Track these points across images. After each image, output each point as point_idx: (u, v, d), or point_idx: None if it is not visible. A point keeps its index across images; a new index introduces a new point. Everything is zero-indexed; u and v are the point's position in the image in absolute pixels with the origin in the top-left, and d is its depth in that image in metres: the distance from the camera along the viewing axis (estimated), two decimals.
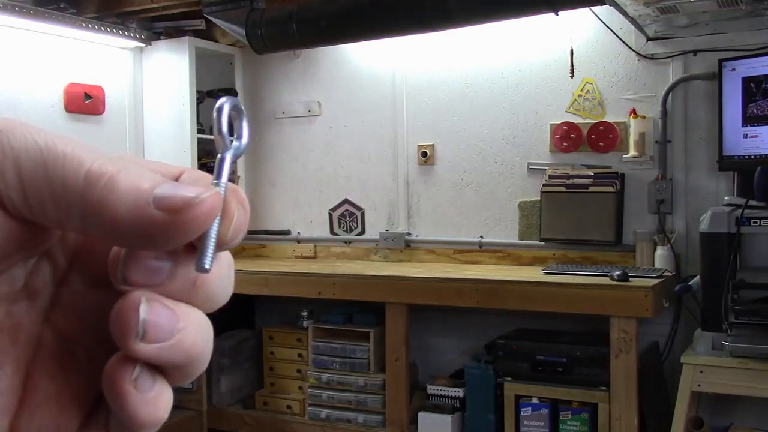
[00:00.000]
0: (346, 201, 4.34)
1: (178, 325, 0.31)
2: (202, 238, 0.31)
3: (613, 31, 3.60)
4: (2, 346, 0.32)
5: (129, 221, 0.29)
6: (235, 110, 0.35)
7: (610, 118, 3.67)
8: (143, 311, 0.30)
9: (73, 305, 0.34)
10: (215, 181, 0.32)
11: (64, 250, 0.34)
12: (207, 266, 0.31)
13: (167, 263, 0.31)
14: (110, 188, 0.30)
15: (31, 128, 0.31)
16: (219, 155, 0.34)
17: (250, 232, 4.66)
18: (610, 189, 3.57)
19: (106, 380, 0.31)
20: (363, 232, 4.30)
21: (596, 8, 3.41)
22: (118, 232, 0.30)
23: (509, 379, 3.35)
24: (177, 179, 0.33)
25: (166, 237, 0.30)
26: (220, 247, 0.31)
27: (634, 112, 3.56)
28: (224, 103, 0.35)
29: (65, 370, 0.33)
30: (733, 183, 3.34)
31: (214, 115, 0.35)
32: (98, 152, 0.31)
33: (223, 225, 0.32)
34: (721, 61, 3.29)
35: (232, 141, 0.35)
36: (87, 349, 0.34)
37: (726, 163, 3.29)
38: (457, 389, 3.51)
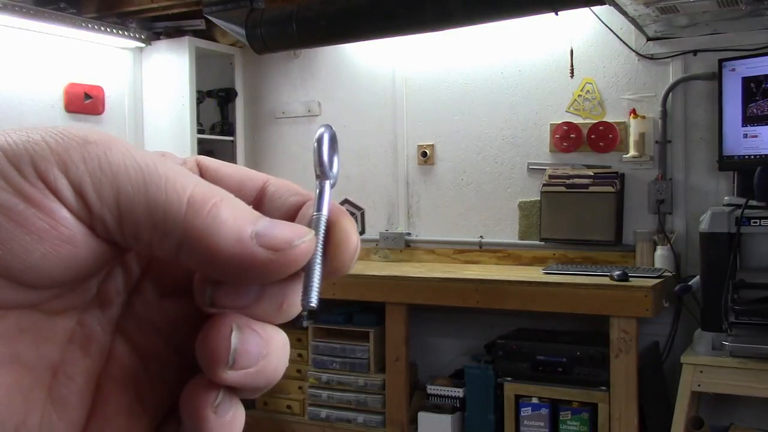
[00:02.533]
0: (346, 201, 4.34)
1: (264, 351, 0.30)
2: (307, 273, 0.30)
3: (613, 31, 3.60)
4: (73, 357, 0.31)
5: (229, 254, 0.28)
6: (333, 140, 0.34)
7: (610, 118, 3.67)
8: (235, 340, 0.29)
9: (145, 315, 0.33)
10: (317, 213, 0.32)
11: (138, 257, 0.33)
12: (314, 303, 0.30)
13: (256, 286, 0.30)
14: (214, 217, 0.28)
15: (128, 145, 0.29)
16: (319, 185, 0.33)
17: None
18: (610, 189, 3.57)
19: (187, 405, 0.30)
20: (363, 232, 4.30)
21: (596, 8, 3.41)
22: (215, 264, 0.29)
23: (509, 379, 3.35)
24: (263, 189, 0.33)
25: (262, 273, 0.29)
26: (332, 275, 0.31)
27: (634, 112, 3.56)
28: (323, 133, 0.34)
29: (137, 383, 0.32)
30: (733, 183, 3.34)
31: (315, 145, 0.34)
32: (192, 175, 0.30)
33: (342, 253, 0.31)
34: (721, 61, 3.29)
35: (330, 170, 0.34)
36: (159, 361, 0.32)
37: (726, 163, 3.29)
38: (457, 389, 3.51)
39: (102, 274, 0.32)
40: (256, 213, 0.30)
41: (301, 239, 0.29)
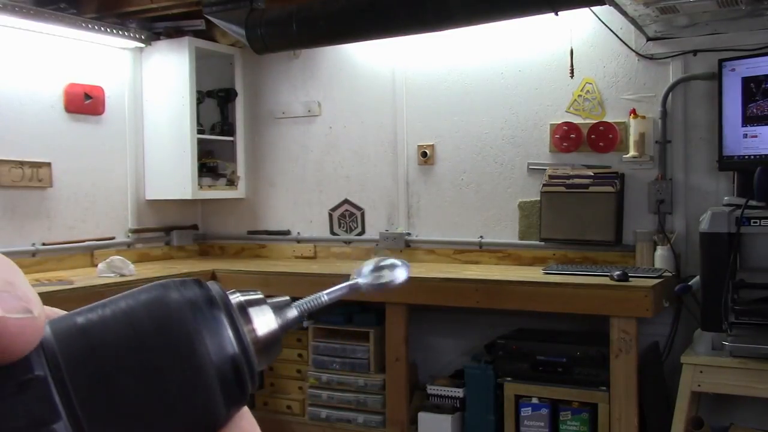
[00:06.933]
0: (346, 201, 4.34)
1: None
2: None
3: (613, 31, 3.60)
4: None
5: None
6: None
7: (610, 118, 3.67)
8: None
9: None
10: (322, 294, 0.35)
11: None
12: None
13: None
14: None
15: None
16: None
17: (250, 232, 4.67)
18: (610, 189, 3.57)
19: None
20: (363, 232, 4.30)
21: (596, 8, 3.41)
22: None
23: (509, 379, 3.35)
24: None
25: None
26: None
27: (634, 112, 3.56)
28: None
29: None
30: (733, 183, 3.34)
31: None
32: None
33: None
34: (721, 61, 3.29)
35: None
36: None
37: (726, 163, 3.29)
38: (457, 389, 3.51)
39: None
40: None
41: (14, 314, 0.27)
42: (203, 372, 0.29)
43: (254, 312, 0.32)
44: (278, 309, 0.33)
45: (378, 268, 0.36)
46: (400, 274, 0.36)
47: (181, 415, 0.28)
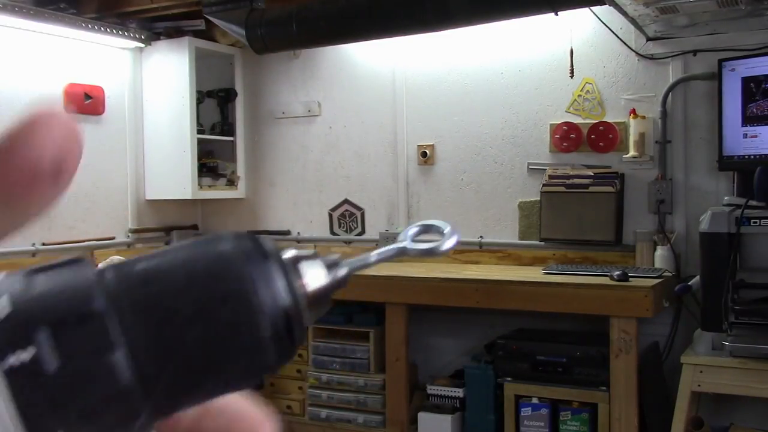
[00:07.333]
0: (346, 201, 4.34)
1: None
2: None
3: (612, 31, 3.60)
4: None
5: None
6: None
7: (610, 118, 3.67)
8: None
9: None
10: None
11: None
12: None
13: None
14: None
15: None
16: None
17: (250, 232, 4.65)
18: (610, 189, 3.57)
19: None
20: (363, 232, 4.30)
21: (596, 8, 3.41)
22: None
23: (509, 379, 3.35)
24: None
25: None
26: None
27: (634, 112, 3.56)
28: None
29: None
30: (733, 183, 3.34)
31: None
32: None
33: None
34: (721, 61, 3.29)
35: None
36: None
37: (726, 163, 3.29)
38: (457, 389, 3.51)
39: None
40: None
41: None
42: (257, 321, 0.29)
43: (306, 267, 0.33)
44: (329, 266, 0.34)
45: (425, 232, 0.37)
46: (448, 241, 0.36)
47: (234, 361, 0.29)
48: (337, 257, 0.35)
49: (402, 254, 0.36)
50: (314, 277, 0.33)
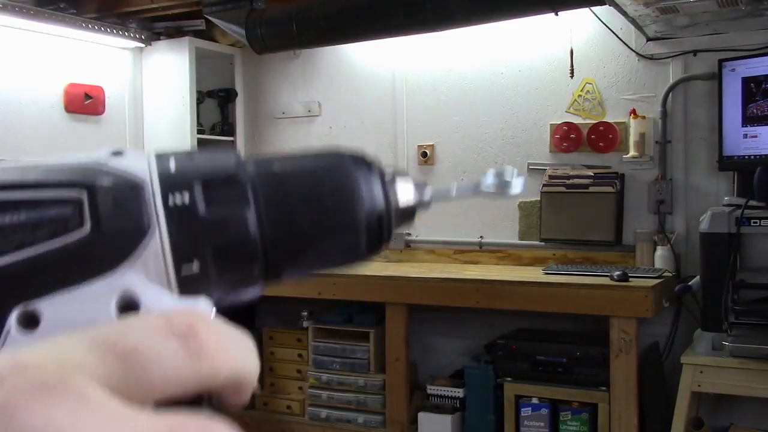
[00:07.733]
0: None
1: None
2: None
3: (613, 31, 3.60)
4: None
5: None
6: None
7: (610, 118, 3.67)
8: None
9: None
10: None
11: None
12: None
13: None
14: None
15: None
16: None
17: None
18: (610, 189, 3.57)
19: None
20: None
21: (596, 8, 3.41)
22: None
23: (509, 379, 3.35)
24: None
25: None
26: None
27: (634, 112, 3.56)
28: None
29: None
30: (733, 183, 3.34)
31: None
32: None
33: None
34: (721, 61, 3.29)
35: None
36: None
37: (726, 163, 3.29)
38: (457, 389, 3.51)
39: None
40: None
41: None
42: (355, 210, 0.37)
43: (401, 183, 0.40)
44: (419, 187, 0.41)
45: (498, 176, 0.43)
46: (517, 185, 0.43)
47: (332, 239, 0.37)
48: (425, 182, 0.41)
49: (477, 191, 0.44)
50: (406, 192, 0.40)
